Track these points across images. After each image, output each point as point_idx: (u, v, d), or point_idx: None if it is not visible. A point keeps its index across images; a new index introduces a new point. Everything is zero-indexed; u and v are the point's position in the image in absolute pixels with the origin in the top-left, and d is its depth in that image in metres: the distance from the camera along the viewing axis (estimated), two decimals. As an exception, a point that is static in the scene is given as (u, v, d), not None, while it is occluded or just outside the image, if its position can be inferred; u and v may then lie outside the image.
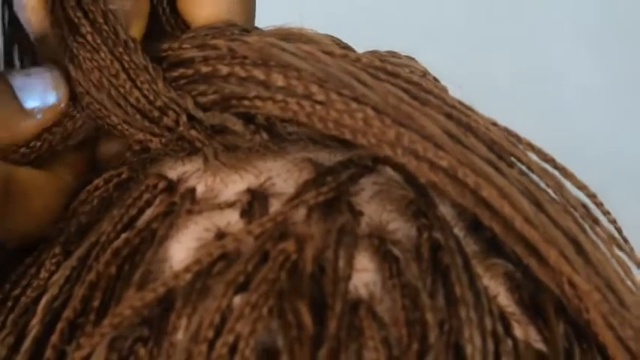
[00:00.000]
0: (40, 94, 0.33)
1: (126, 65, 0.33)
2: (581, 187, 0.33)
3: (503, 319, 0.29)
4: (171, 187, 0.32)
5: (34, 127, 0.33)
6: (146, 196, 0.31)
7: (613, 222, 0.33)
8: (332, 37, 0.35)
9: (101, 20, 0.33)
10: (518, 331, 0.29)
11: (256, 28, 0.36)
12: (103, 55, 0.33)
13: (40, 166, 0.33)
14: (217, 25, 0.35)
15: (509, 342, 0.28)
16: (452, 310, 0.28)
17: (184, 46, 0.34)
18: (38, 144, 0.33)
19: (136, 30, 0.34)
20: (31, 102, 0.33)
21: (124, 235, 0.30)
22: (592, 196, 0.33)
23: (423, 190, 0.31)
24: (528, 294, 0.30)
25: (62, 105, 0.34)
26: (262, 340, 0.27)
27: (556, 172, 0.32)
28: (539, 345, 0.30)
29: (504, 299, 0.30)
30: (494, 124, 0.32)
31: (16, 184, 0.31)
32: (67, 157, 0.34)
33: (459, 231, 0.31)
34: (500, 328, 0.28)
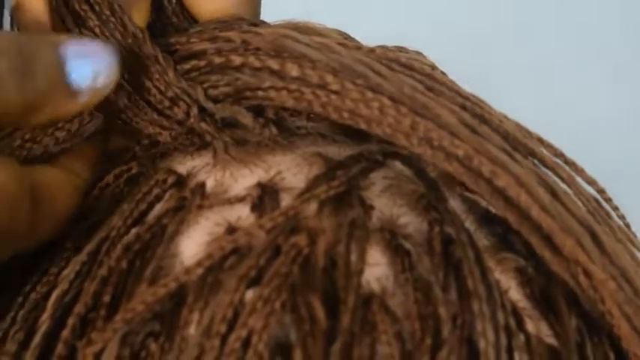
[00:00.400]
0: (90, 77, 0.31)
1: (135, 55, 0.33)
2: (591, 182, 0.33)
3: (516, 313, 0.29)
4: (181, 181, 0.32)
5: (79, 110, 0.31)
6: (156, 190, 0.31)
7: (622, 217, 0.33)
8: (339, 31, 0.35)
9: (108, 12, 0.33)
10: (530, 326, 0.29)
11: (263, 22, 0.36)
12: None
13: (56, 163, 0.33)
14: (225, 19, 0.35)
15: (522, 336, 0.28)
16: (464, 304, 0.28)
17: (193, 40, 0.33)
18: (62, 134, 0.33)
19: (140, 15, 0.34)
20: (80, 83, 0.31)
21: (134, 230, 0.30)
22: (601, 192, 0.33)
23: (433, 184, 0.31)
24: (539, 288, 0.30)
25: (108, 91, 0.32)
26: (275, 335, 0.27)
27: (566, 167, 0.32)
28: (551, 340, 0.29)
29: (515, 294, 0.30)
30: (506, 117, 0.32)
31: (42, 190, 0.30)
32: (81, 151, 0.33)
33: (469, 225, 0.31)
34: (512, 323, 0.28)
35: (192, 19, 0.36)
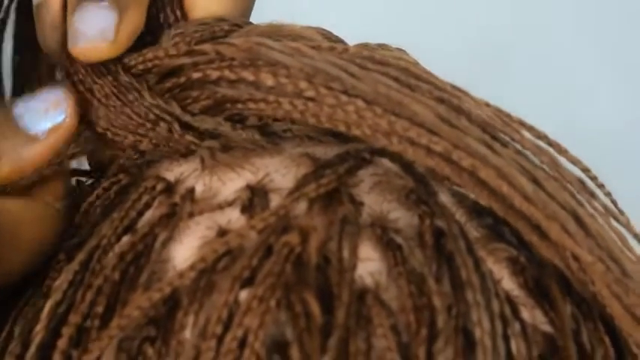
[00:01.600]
0: (41, 115, 0.32)
1: (113, 87, 0.33)
2: (575, 161, 0.33)
3: (510, 302, 0.29)
4: (170, 188, 0.32)
5: (43, 151, 0.32)
6: (145, 198, 0.31)
7: (608, 194, 0.33)
8: (322, 30, 0.35)
9: None
10: (524, 314, 0.29)
11: (249, 23, 0.36)
12: (90, 79, 0.33)
13: (21, 194, 0.32)
14: (206, 21, 0.35)
15: (517, 324, 0.28)
16: (459, 295, 0.28)
17: (171, 53, 0.34)
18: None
19: (129, 23, 0.34)
20: (34, 126, 0.32)
21: (127, 239, 0.30)
22: (586, 170, 0.33)
23: (422, 178, 0.31)
24: (532, 277, 0.30)
25: (69, 121, 0.32)
26: (271, 333, 0.27)
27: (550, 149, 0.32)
28: (547, 327, 0.30)
29: (509, 283, 0.30)
30: (487, 104, 0.32)
31: (3, 218, 0.30)
32: (50, 180, 0.33)
33: (459, 217, 0.31)
34: (507, 311, 0.28)
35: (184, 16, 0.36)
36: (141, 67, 0.33)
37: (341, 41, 0.35)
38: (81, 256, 0.30)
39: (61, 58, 0.35)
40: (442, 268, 0.29)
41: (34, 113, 0.32)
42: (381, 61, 0.32)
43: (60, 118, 0.32)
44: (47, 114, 0.32)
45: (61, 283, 0.30)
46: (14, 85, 0.47)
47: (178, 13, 0.36)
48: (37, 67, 0.36)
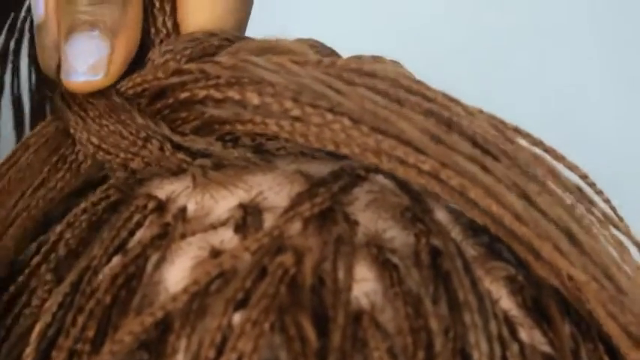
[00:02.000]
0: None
1: (106, 107, 0.33)
2: (573, 167, 0.32)
3: (508, 322, 0.28)
4: (161, 206, 0.31)
5: None
6: (136, 217, 0.31)
7: (607, 201, 0.33)
8: (314, 41, 0.35)
9: None
10: (523, 335, 0.29)
11: (242, 38, 0.35)
12: (85, 99, 0.34)
13: None
14: (197, 36, 0.34)
15: (516, 346, 0.28)
16: (456, 316, 0.27)
17: (159, 75, 0.33)
18: None
19: (122, 50, 0.34)
20: None
21: (118, 260, 0.29)
22: (584, 177, 0.32)
23: (417, 196, 0.30)
24: (530, 296, 0.30)
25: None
26: (265, 357, 0.26)
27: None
28: (546, 347, 0.29)
29: (507, 303, 0.30)
30: (481, 111, 0.31)
31: None
32: None
33: (456, 235, 0.30)
34: (505, 332, 0.28)
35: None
36: (131, 92, 0.33)
37: (333, 53, 0.35)
38: (71, 277, 0.30)
39: (58, 79, 0.35)
40: (439, 288, 0.28)
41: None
42: (368, 73, 0.31)
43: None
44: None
45: (50, 305, 0.29)
46: (31, 102, 0.48)
47: (170, 26, 0.36)
48: (54, 84, 0.36)
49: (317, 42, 0.35)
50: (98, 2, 0.34)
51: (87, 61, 0.33)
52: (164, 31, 0.35)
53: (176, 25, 0.36)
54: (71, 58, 0.33)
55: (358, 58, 0.34)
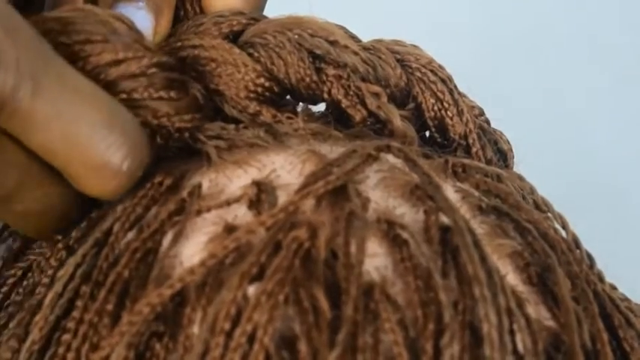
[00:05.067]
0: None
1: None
2: None
3: (516, 297, 0.29)
4: (176, 184, 0.32)
5: None
6: (151, 193, 0.31)
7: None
8: (340, 26, 0.36)
9: None
10: (529, 310, 0.29)
11: (264, 17, 0.36)
12: None
13: None
14: (224, 13, 0.35)
15: (523, 319, 0.28)
16: (465, 290, 0.28)
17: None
18: None
19: (163, 28, 0.35)
20: None
21: (135, 235, 0.30)
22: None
23: (427, 175, 0.31)
24: (536, 273, 0.31)
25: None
26: (279, 328, 0.27)
27: None
28: (550, 322, 0.30)
29: (513, 279, 0.30)
30: None
31: None
32: None
33: (464, 213, 0.31)
34: (514, 305, 0.28)
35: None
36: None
37: (356, 38, 0.36)
38: (84, 249, 0.30)
39: None
40: (448, 263, 0.29)
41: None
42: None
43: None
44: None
45: (63, 274, 0.30)
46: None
47: (197, 9, 0.36)
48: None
49: (342, 26, 0.36)
50: None
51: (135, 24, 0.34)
52: (192, 13, 0.36)
53: (202, 8, 0.37)
54: None
55: (379, 41, 0.35)
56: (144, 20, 0.34)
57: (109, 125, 0.29)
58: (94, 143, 0.29)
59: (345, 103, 0.34)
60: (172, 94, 0.32)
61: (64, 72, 0.29)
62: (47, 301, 0.30)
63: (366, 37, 0.37)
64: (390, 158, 0.32)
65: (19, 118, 0.28)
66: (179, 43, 0.34)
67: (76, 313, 0.29)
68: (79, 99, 0.29)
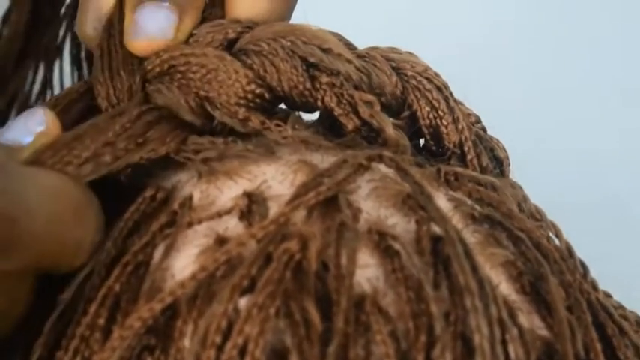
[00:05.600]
0: (22, 130, 0.32)
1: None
2: None
3: (508, 307, 0.29)
4: (167, 196, 0.32)
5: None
6: (143, 207, 0.31)
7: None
8: (335, 33, 0.36)
9: None
10: (522, 319, 0.29)
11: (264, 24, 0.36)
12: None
13: None
14: (219, 22, 0.36)
15: (515, 330, 0.28)
16: (456, 300, 0.28)
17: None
18: None
19: (186, 27, 0.36)
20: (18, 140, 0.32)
21: (129, 249, 0.30)
22: None
23: (418, 184, 0.31)
24: (529, 282, 0.31)
25: (51, 127, 0.32)
26: (270, 341, 0.27)
27: None
28: (544, 332, 0.30)
29: (506, 288, 0.30)
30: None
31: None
32: None
33: (456, 223, 0.31)
34: (506, 316, 0.28)
35: None
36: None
37: (351, 45, 0.36)
38: (86, 270, 0.30)
39: (95, 47, 0.36)
40: (439, 273, 0.29)
41: (15, 131, 0.32)
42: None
43: (40, 128, 0.32)
44: (27, 128, 0.32)
45: (65, 295, 0.30)
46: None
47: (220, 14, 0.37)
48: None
49: (337, 34, 0.36)
50: None
51: (157, 24, 0.35)
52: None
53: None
54: (140, 20, 0.35)
55: (375, 49, 0.35)
56: (165, 19, 0.35)
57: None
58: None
59: (337, 111, 0.34)
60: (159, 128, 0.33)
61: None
62: (51, 320, 0.30)
63: (361, 44, 0.37)
64: (382, 168, 0.32)
65: None
66: (168, 54, 0.35)
67: (71, 330, 0.29)
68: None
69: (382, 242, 0.29)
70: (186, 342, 0.28)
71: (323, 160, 0.32)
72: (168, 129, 0.33)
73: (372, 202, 0.31)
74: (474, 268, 0.28)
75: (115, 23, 0.37)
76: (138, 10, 0.35)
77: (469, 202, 0.33)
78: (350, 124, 0.34)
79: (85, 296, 0.29)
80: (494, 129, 0.39)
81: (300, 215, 0.29)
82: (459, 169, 0.34)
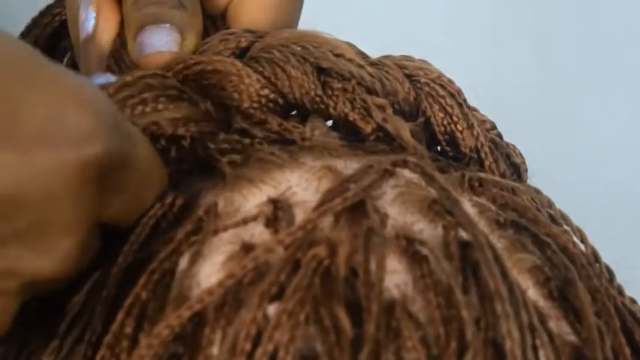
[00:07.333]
0: None
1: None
2: None
3: (537, 312, 0.29)
4: (190, 203, 0.32)
5: None
6: (161, 212, 0.31)
7: None
8: (347, 42, 0.36)
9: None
10: (551, 324, 0.29)
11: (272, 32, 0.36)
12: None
13: None
14: (232, 31, 0.36)
15: (546, 335, 0.28)
16: (487, 306, 0.28)
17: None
18: None
19: (190, 43, 0.37)
20: None
21: (155, 257, 0.30)
22: None
23: (445, 189, 0.31)
24: (557, 287, 0.30)
25: None
26: (301, 348, 0.27)
27: None
28: (572, 337, 0.30)
29: (534, 294, 0.30)
30: None
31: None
32: None
33: (482, 228, 0.31)
34: (536, 321, 0.28)
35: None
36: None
37: (363, 53, 0.36)
38: (99, 271, 0.30)
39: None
40: (468, 279, 0.28)
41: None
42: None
43: None
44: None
45: (79, 298, 0.30)
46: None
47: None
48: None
49: (349, 43, 0.36)
50: (168, 6, 0.37)
51: (161, 39, 0.36)
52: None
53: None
54: (146, 39, 0.36)
55: (388, 57, 0.35)
56: (170, 35, 0.36)
57: None
58: None
59: (352, 116, 0.34)
60: (184, 105, 0.33)
61: None
62: (63, 325, 0.30)
63: (374, 53, 0.37)
64: (406, 173, 0.32)
65: None
66: (182, 64, 0.34)
67: (104, 340, 0.29)
68: None
69: (410, 248, 0.29)
70: (215, 350, 0.28)
71: (346, 165, 0.32)
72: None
73: (397, 208, 0.31)
74: (504, 274, 0.28)
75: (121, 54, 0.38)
76: (140, 33, 0.37)
77: (494, 207, 0.32)
78: (367, 127, 0.34)
79: (98, 300, 0.29)
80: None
81: (327, 221, 0.29)
82: (483, 174, 0.34)
